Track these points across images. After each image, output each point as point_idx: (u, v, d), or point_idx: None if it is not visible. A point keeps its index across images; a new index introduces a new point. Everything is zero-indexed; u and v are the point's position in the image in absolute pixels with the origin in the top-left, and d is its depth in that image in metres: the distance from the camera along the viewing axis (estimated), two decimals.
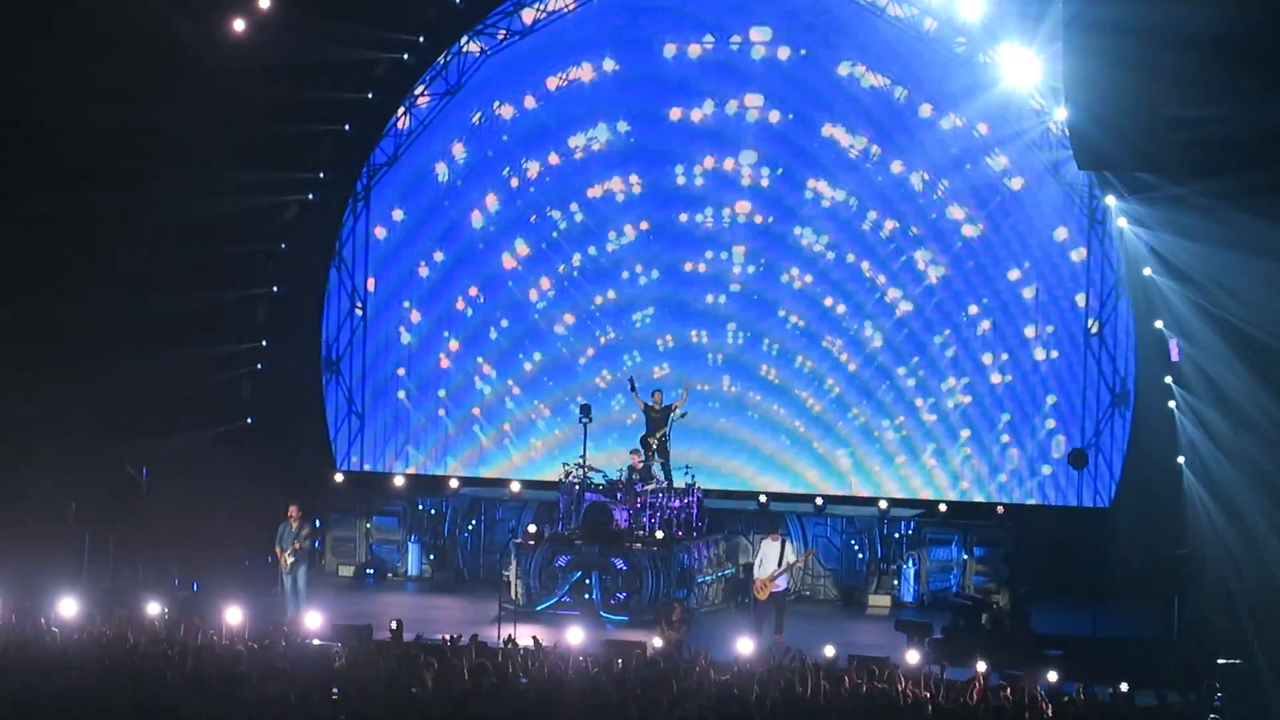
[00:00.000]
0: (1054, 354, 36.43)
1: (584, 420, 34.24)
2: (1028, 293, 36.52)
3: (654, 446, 34.43)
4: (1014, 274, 36.54)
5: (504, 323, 38.56)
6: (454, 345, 38.81)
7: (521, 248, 38.41)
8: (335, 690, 20.46)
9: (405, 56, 37.26)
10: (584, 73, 37.95)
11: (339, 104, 36.55)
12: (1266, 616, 28.52)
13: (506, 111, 38.22)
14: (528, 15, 37.74)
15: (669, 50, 37.65)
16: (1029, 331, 36.56)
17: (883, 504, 35.88)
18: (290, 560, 30.86)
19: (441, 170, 38.55)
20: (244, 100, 34.09)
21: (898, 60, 36.50)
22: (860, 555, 35.32)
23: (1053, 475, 36.25)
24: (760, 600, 30.37)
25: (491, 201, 38.43)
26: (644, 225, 38.03)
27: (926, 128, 36.57)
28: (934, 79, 36.29)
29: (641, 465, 33.84)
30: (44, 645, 23.36)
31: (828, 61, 36.92)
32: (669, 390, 34.97)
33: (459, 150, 38.45)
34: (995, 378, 36.75)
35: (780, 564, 30.31)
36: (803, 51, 37.06)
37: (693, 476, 34.58)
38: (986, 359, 36.77)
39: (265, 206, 36.14)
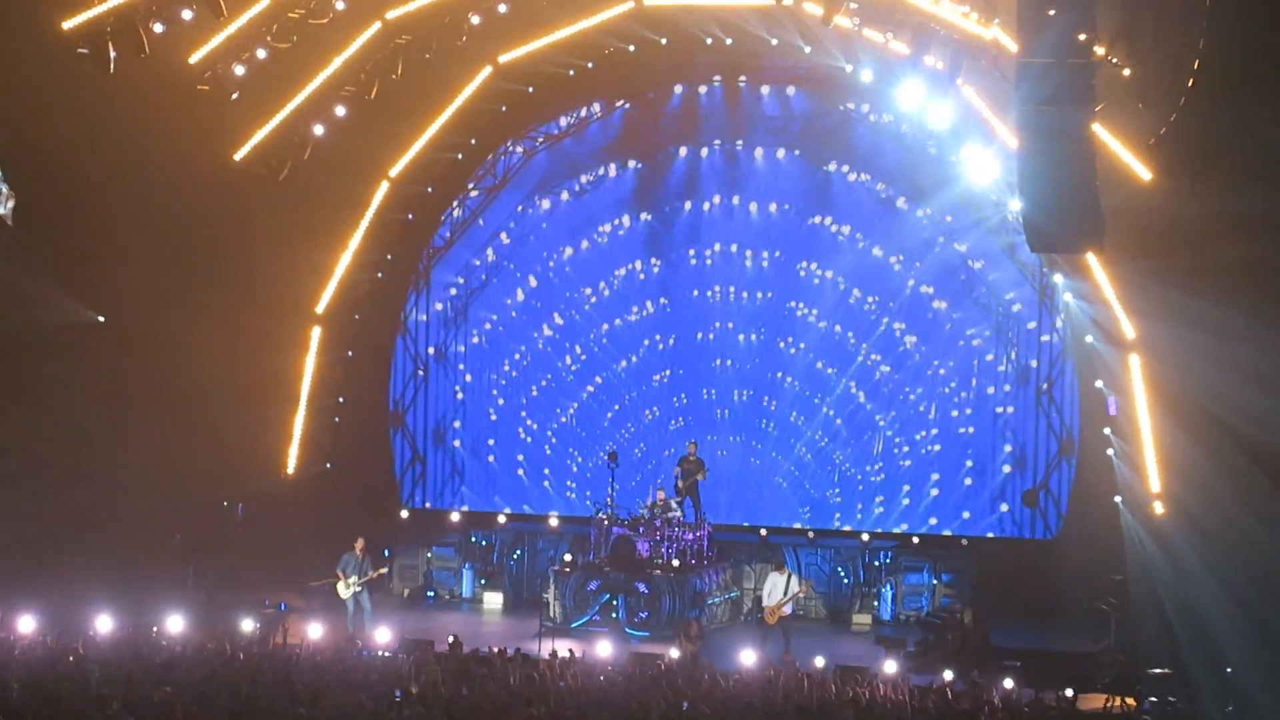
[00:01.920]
0: (1010, 409, 36.40)
1: (611, 465, 34.34)
2: (989, 357, 36.55)
3: (682, 490, 34.59)
4: (976, 341, 36.56)
5: (543, 382, 38.60)
6: (501, 401, 38.87)
7: (557, 319, 38.49)
8: (397, 694, 20.48)
9: (459, 156, 37.43)
10: (610, 170, 38.09)
11: (403, 196, 36.72)
12: (1192, 632, 28.53)
13: (545, 204, 38.36)
14: (564, 121, 37.93)
15: (682, 152, 37.81)
16: (989, 390, 36.57)
17: (865, 537, 35.84)
18: (355, 586, 30.81)
19: (490, 253, 38.67)
20: (322, 192, 34.41)
21: (878, 159, 36.60)
22: (845, 580, 35.27)
23: (1009, 512, 36.22)
24: (769, 624, 30.43)
25: (532, 280, 38.54)
26: (662, 300, 38.11)
27: (902, 217, 36.64)
28: (908, 176, 36.34)
29: (664, 500, 33.92)
30: (154, 655, 23.48)
31: (818, 161, 37.05)
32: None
33: (504, 236, 38.59)
34: (961, 429, 36.76)
35: (786, 593, 30.35)
36: (796, 152, 37.20)
37: (703, 513, 34.70)
38: (954, 413, 36.76)
39: (347, 283, 36.30)
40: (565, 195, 38.34)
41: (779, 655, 29.08)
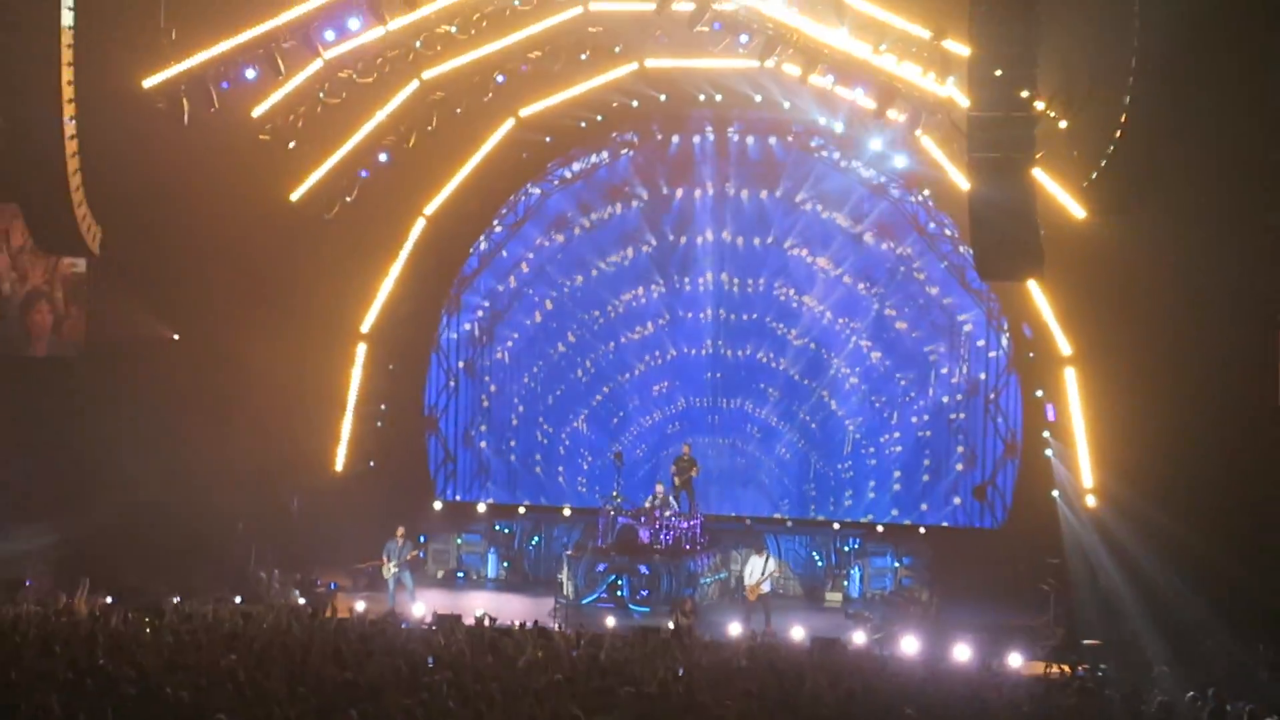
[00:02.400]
0: (963, 415, 36.45)
1: (617, 463, 34.40)
2: (943, 370, 36.60)
3: (678, 485, 34.63)
4: (933, 357, 36.61)
5: (558, 391, 38.60)
6: (521, 408, 38.90)
7: (571, 337, 38.52)
8: (430, 661, 20.54)
9: (486, 196, 37.41)
10: (616, 208, 38.12)
11: (437, 231, 36.73)
12: (1120, 607, 28.63)
13: (560, 237, 38.41)
14: (576, 166, 37.95)
15: (679, 193, 37.86)
16: (944, 399, 36.63)
17: (836, 525, 35.86)
18: (395, 569, 31.02)
19: (512, 280, 38.69)
20: (367, 228, 34.58)
21: (848, 200, 36.64)
22: (819, 563, 35.31)
23: (961, 505, 36.25)
24: (750, 600, 30.52)
25: (548, 303, 38.58)
26: (661, 321, 38.14)
27: (868, 249, 36.69)
28: (873, 213, 36.42)
29: (663, 494, 33.96)
30: (220, 626, 23.53)
31: (796, 201, 37.06)
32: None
33: (524, 265, 38.61)
34: (919, 433, 36.79)
35: (763, 573, 30.49)
36: (777, 193, 37.21)
37: (697, 505, 34.77)
38: (913, 419, 36.81)
39: (388, 306, 36.35)
40: (577, 230, 38.33)
41: (761, 628, 29.16)
